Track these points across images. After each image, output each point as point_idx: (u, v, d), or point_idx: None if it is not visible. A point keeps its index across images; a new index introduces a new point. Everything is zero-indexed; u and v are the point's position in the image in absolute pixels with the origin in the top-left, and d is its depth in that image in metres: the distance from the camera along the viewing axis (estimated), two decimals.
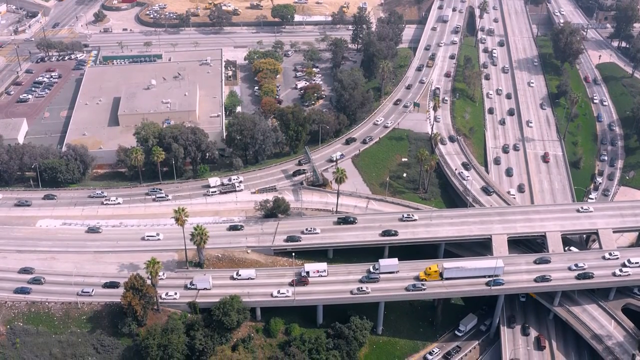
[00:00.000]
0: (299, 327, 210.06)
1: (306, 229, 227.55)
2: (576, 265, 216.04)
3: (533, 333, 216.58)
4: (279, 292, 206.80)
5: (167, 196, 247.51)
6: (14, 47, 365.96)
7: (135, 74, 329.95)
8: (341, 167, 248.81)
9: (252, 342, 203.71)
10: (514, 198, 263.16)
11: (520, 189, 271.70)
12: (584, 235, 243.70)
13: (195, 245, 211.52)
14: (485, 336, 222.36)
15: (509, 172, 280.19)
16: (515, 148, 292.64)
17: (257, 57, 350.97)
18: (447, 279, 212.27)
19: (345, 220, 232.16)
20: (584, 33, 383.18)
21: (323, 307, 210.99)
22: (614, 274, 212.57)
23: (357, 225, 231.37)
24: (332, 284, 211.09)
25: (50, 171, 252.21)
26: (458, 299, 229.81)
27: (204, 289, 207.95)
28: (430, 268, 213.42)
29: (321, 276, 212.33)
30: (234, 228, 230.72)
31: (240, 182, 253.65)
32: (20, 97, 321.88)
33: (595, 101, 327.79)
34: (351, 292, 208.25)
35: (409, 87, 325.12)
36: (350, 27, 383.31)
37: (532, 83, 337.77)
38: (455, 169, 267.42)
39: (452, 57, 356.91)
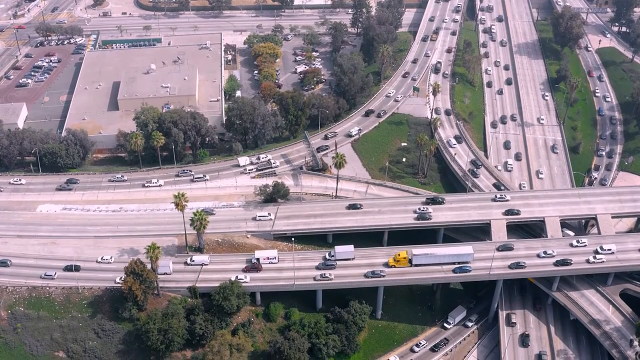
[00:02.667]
0: (299, 312, 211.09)
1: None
2: (545, 252, 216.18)
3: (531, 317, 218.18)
4: (237, 277, 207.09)
5: (205, 176, 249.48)
6: (14, 31, 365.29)
7: (134, 58, 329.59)
8: (341, 151, 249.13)
9: (252, 326, 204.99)
10: (512, 168, 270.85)
11: (518, 157, 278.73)
12: (583, 221, 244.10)
13: (195, 230, 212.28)
14: (483, 320, 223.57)
15: (507, 145, 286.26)
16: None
17: (257, 41, 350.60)
18: (416, 265, 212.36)
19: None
20: (584, 17, 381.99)
21: (322, 291, 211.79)
22: (587, 261, 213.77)
23: (357, 210, 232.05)
24: (289, 270, 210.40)
25: (50, 156, 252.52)
26: (457, 284, 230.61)
27: (164, 273, 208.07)
28: (399, 254, 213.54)
29: (271, 263, 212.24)
30: (353, 207, 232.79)
31: (270, 160, 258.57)
32: (20, 81, 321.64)
33: (597, 94, 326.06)
34: (314, 279, 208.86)
35: (414, 62, 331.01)
36: (350, 10, 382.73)
37: (546, 96, 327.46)
38: (447, 141, 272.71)
39: (453, 33, 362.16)
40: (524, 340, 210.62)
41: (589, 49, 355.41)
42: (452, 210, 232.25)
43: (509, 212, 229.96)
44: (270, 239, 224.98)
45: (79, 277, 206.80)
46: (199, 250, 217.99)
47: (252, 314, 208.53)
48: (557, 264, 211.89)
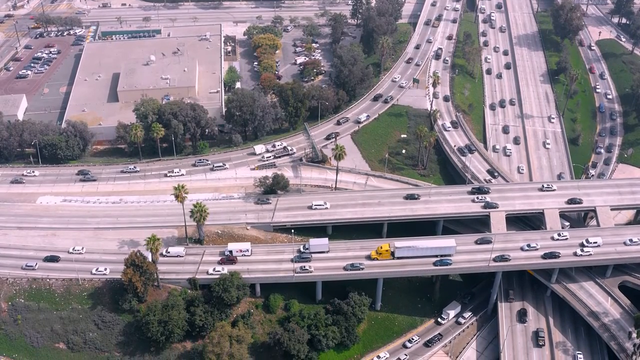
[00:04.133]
0: (298, 303, 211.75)
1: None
2: (529, 245, 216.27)
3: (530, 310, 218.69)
4: (214, 269, 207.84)
5: (225, 165, 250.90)
6: (13, 23, 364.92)
7: (134, 49, 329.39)
8: (340, 143, 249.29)
9: (251, 318, 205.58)
10: (510, 153, 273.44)
11: (516, 141, 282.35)
12: (582, 213, 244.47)
13: (195, 221, 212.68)
14: (483, 312, 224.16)
15: (505, 130, 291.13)
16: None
17: (257, 32, 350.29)
18: (398, 258, 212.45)
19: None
20: (584, 9, 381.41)
21: (322, 283, 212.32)
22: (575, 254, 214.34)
23: (355, 202, 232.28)
24: (266, 262, 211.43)
25: (50, 148, 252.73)
26: (456, 275, 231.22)
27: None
28: (381, 247, 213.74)
29: (244, 255, 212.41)
30: (411, 197, 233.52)
31: (286, 147, 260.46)
32: (20, 73, 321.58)
33: (598, 90, 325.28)
34: (294, 271, 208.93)
35: (417, 47, 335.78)
36: (349, 2, 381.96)
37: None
38: (442, 124, 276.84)
39: (453, 21, 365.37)
40: (522, 317, 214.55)
41: (592, 47, 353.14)
42: (451, 202, 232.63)
43: (571, 202, 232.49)
44: (270, 230, 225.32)
45: (58, 267, 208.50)
46: (199, 242, 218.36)
47: (252, 305, 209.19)
48: (544, 256, 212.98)
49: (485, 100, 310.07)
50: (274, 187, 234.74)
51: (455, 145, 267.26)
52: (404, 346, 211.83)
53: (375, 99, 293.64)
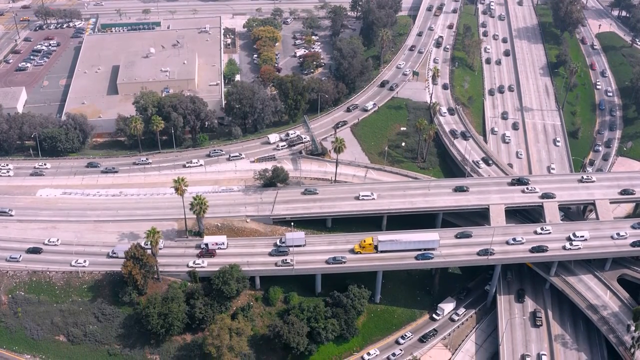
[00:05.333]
0: (298, 296, 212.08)
1: None
2: (514, 239, 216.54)
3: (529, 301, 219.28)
4: (194, 262, 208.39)
5: (241, 154, 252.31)
6: (13, 15, 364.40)
7: (133, 42, 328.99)
8: (340, 136, 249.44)
9: (251, 310, 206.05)
10: (509, 140, 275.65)
11: (515, 126, 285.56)
12: (581, 206, 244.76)
13: (194, 214, 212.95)
14: (482, 305, 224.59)
15: (504, 116, 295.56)
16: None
17: (256, 24, 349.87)
18: (382, 251, 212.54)
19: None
20: (584, 2, 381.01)
21: (322, 275, 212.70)
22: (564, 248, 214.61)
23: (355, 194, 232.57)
24: (242, 255, 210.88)
25: (49, 140, 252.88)
26: (455, 268, 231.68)
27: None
28: (364, 241, 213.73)
29: (220, 248, 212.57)
30: (460, 190, 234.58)
31: (299, 135, 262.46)
32: (19, 65, 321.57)
33: (598, 87, 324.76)
34: (275, 264, 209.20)
35: (420, 34, 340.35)
36: None
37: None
38: (438, 109, 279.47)
39: (454, 11, 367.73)
40: (520, 296, 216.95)
41: (595, 47, 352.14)
42: (451, 195, 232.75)
43: (625, 192, 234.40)
44: (270, 223, 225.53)
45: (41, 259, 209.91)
46: (199, 234, 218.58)
47: (251, 298, 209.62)
48: (532, 250, 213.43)
49: (484, 86, 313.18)
50: (273, 180, 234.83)
51: (449, 129, 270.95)
52: (397, 342, 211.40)
53: (382, 85, 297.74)
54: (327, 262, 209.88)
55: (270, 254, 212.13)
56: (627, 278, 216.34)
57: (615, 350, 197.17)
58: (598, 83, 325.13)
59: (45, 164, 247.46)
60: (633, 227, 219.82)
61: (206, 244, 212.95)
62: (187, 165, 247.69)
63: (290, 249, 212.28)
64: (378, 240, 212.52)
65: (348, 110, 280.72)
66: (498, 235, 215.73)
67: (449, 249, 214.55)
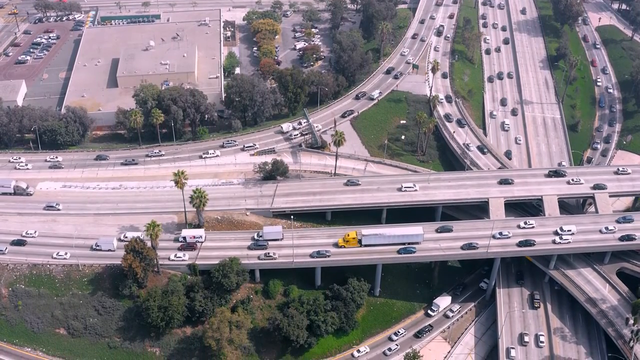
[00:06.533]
0: (298, 289, 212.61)
1: None
2: (500, 233, 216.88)
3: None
4: (175, 256, 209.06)
5: (255, 145, 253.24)
6: (12, 8, 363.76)
7: (133, 34, 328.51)
8: (340, 129, 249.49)
9: (251, 303, 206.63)
10: (508, 128, 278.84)
11: (514, 112, 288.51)
12: (580, 199, 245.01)
13: (194, 207, 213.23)
14: (481, 298, 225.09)
15: (503, 102, 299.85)
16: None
17: (256, 17, 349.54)
18: (365, 245, 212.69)
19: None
20: None
21: (321, 269, 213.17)
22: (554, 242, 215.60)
23: (355, 188, 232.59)
24: (223, 249, 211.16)
25: (49, 133, 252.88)
26: (455, 262, 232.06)
27: (108, 250, 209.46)
28: (348, 235, 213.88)
29: (198, 242, 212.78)
30: (505, 182, 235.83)
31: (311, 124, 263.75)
32: (19, 58, 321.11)
33: (599, 84, 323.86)
34: (258, 258, 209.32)
35: (422, 22, 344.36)
36: None
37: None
38: (436, 95, 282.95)
39: (454, 2, 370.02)
40: (518, 278, 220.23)
41: (597, 46, 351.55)
42: (450, 189, 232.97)
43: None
44: (270, 216, 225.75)
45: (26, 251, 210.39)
46: (199, 227, 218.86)
47: (251, 291, 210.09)
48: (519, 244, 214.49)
49: (484, 75, 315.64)
50: (273, 173, 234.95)
51: (443, 114, 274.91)
52: (390, 339, 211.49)
53: (388, 72, 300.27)
54: (311, 255, 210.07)
55: (249, 248, 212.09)
56: (626, 271, 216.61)
57: (614, 344, 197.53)
58: (598, 79, 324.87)
59: (56, 157, 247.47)
60: None
61: (184, 237, 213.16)
62: (203, 156, 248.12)
63: (274, 242, 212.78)
64: (362, 234, 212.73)
65: (357, 97, 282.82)
66: (497, 229, 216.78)
67: (446, 242, 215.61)
